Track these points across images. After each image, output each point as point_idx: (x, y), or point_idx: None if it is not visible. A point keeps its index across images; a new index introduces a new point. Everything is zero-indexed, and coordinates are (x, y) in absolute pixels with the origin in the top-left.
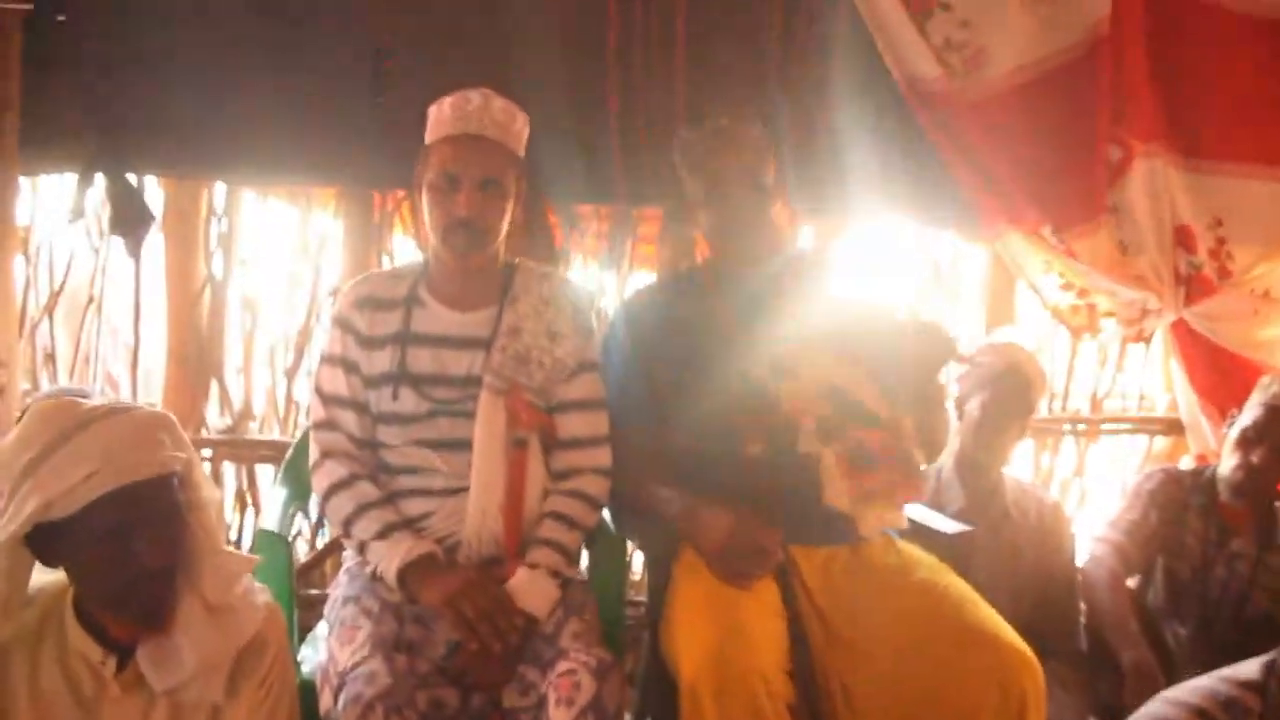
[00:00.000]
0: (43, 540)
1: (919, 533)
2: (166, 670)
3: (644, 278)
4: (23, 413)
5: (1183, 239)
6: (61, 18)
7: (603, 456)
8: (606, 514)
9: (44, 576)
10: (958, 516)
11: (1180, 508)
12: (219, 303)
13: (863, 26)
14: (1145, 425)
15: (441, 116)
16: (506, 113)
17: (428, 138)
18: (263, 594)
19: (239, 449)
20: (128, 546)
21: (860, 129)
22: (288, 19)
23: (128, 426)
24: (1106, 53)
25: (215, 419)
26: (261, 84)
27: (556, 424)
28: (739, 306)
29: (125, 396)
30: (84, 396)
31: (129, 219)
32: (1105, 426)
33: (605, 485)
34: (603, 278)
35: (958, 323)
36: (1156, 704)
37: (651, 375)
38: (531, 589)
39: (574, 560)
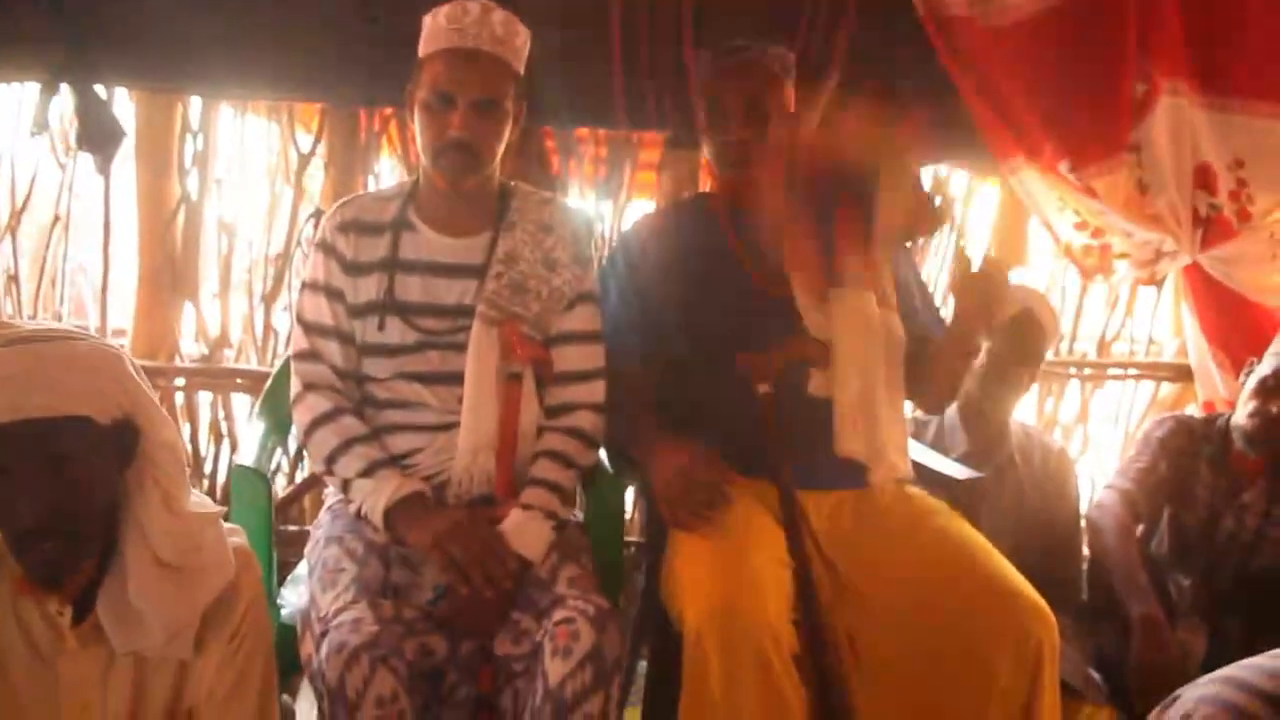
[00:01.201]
0: None
1: (926, 478)
2: (128, 628)
3: (643, 206)
4: None
5: (1203, 179)
6: None
7: (599, 391)
8: (603, 452)
9: None
10: (961, 462)
11: (1191, 457)
12: (194, 224)
13: None
14: (1152, 371)
15: (436, 28)
16: (507, 26)
17: (421, 50)
18: (235, 537)
19: (214, 378)
20: (8, 495)
21: (873, 56)
22: None
23: (29, 359)
24: None
25: (190, 346)
26: None
27: (553, 357)
28: (749, 237)
29: (95, 325)
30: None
31: (97, 134)
32: (1111, 371)
33: (601, 422)
34: (600, 206)
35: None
36: (1214, 686)
37: (653, 308)
38: (525, 531)
39: (569, 501)
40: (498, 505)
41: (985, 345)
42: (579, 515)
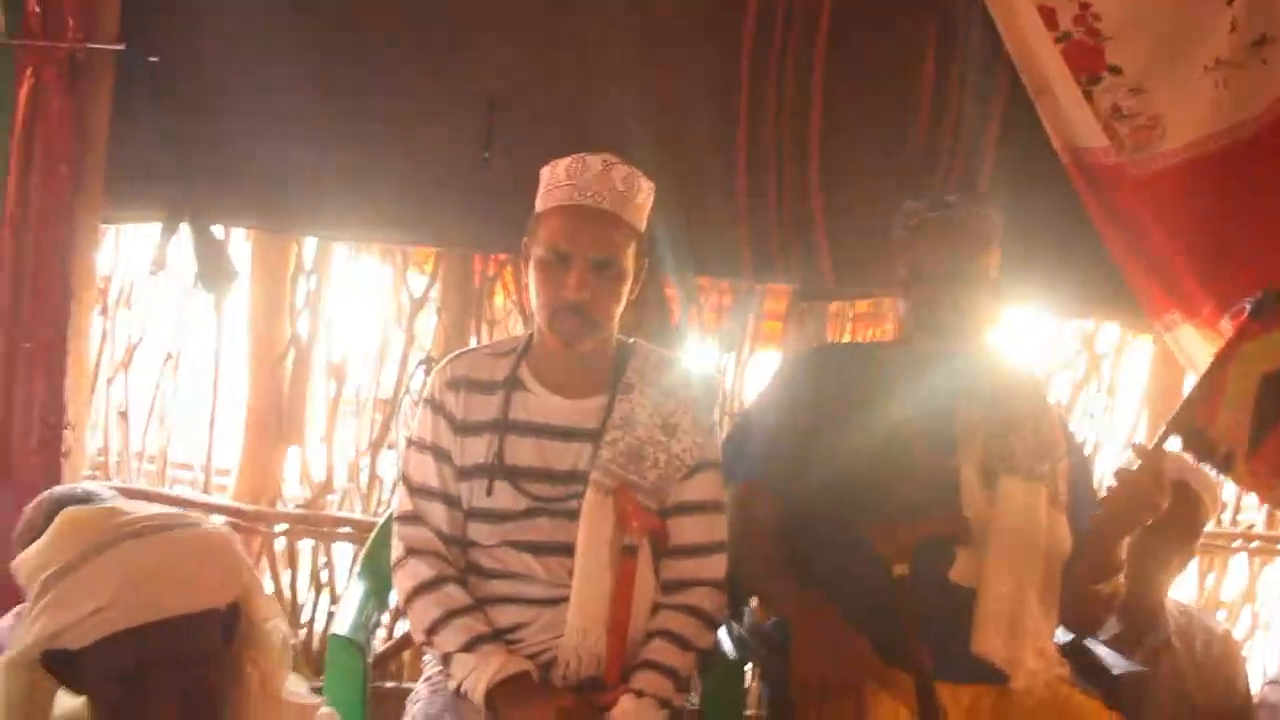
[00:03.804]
0: (59, 665)
1: (1081, 668)
2: None
3: (768, 358)
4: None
5: None
6: (154, 58)
7: (720, 567)
8: (723, 634)
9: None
10: (1111, 646)
11: None
12: (303, 366)
13: (1021, 92)
14: None
15: (555, 181)
16: (629, 182)
17: (538, 204)
18: None
19: (317, 526)
20: (142, 695)
21: (1015, 206)
22: (390, 68)
23: (155, 553)
24: None
25: (294, 489)
26: (358, 134)
27: (670, 529)
28: (930, 395)
29: (200, 464)
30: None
31: (212, 273)
32: None
33: (722, 600)
34: (722, 357)
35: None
36: None
37: (803, 444)
38: None
39: (685, 687)
40: (607, 690)
41: None
42: (694, 702)
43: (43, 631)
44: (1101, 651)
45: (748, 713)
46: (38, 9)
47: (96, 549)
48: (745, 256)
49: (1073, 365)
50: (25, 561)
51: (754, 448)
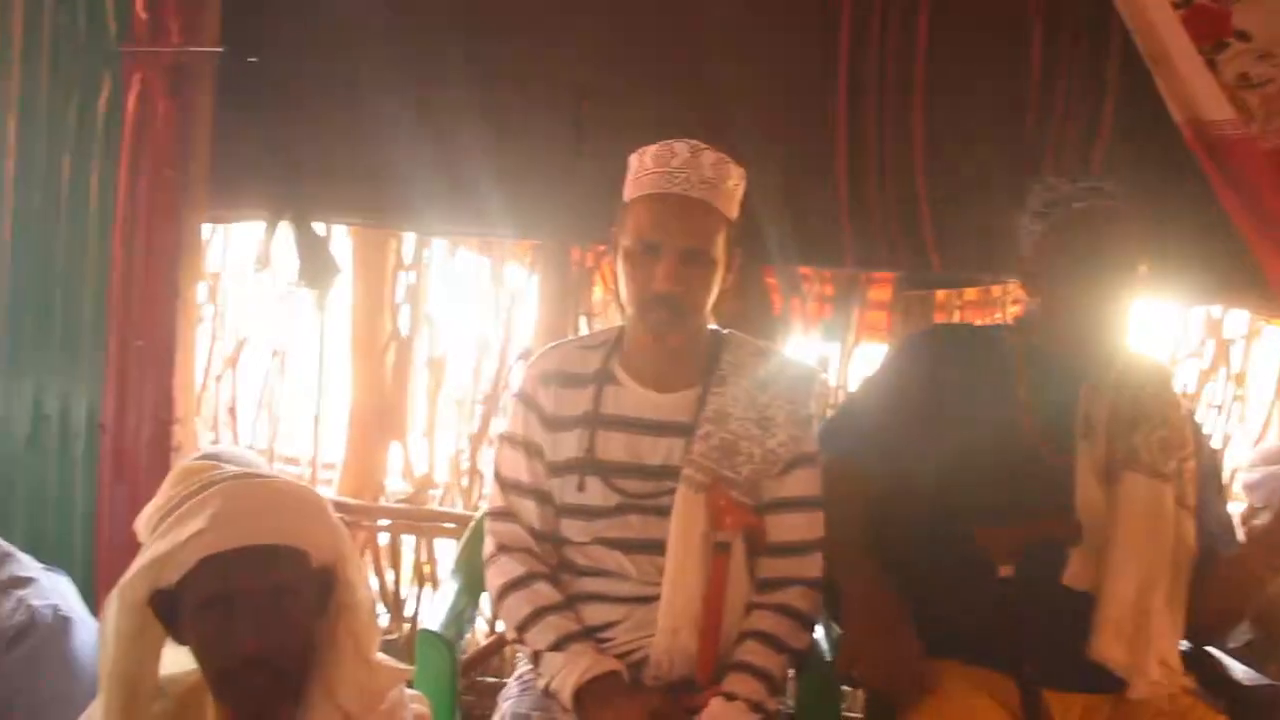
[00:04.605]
0: (164, 610)
1: (1204, 679)
2: None
3: (874, 349)
4: None
5: None
6: (253, 59)
7: (817, 566)
8: (820, 634)
9: (183, 664)
10: (1240, 655)
11: None
12: (404, 361)
13: (1137, 63)
14: None
15: (642, 170)
16: (718, 168)
17: (626, 193)
18: (418, 704)
19: (418, 521)
20: (228, 622)
21: (1130, 185)
22: (483, 60)
23: (251, 492)
24: None
25: (397, 484)
26: (454, 127)
27: (765, 526)
28: (1050, 386)
29: (305, 456)
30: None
31: (314, 270)
32: None
33: (818, 600)
34: (826, 348)
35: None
36: None
37: (909, 425)
38: None
39: (779, 689)
40: (698, 691)
41: (1268, 514)
42: (789, 705)
43: (146, 560)
44: (1229, 662)
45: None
46: (144, 15)
47: (203, 486)
48: (847, 244)
49: (1199, 354)
50: (143, 514)
51: (851, 426)
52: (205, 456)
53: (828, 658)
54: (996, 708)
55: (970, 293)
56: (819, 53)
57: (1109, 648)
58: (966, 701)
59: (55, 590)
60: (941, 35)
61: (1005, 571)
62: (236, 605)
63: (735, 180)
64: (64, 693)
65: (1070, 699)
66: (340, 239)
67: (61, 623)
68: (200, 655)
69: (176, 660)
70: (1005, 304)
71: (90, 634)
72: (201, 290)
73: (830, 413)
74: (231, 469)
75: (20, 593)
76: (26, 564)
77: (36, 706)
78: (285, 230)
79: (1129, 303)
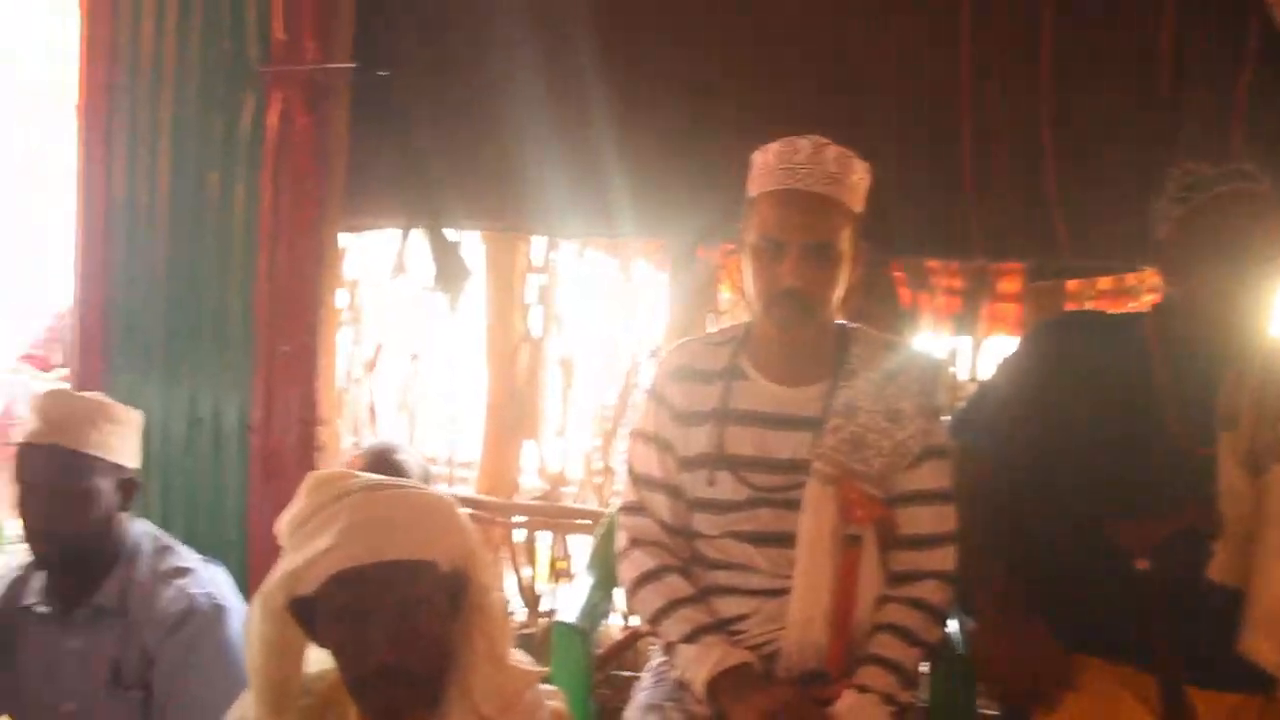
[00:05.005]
0: (303, 615)
1: None
2: None
3: (1004, 342)
4: None
5: None
6: (384, 73)
7: (950, 559)
8: (953, 626)
9: (328, 661)
10: None
11: None
12: (536, 361)
13: (1275, 43)
14: None
15: (766, 166)
16: (841, 163)
17: (750, 190)
18: (553, 700)
19: (553, 518)
20: (362, 634)
21: (1271, 170)
22: (608, 66)
23: (381, 506)
24: None
25: (533, 482)
26: (579, 132)
27: (897, 519)
28: (1192, 376)
29: (442, 456)
30: (396, 451)
31: (448, 274)
32: None
33: (951, 593)
34: (955, 342)
35: None
36: None
37: (1040, 413)
38: (860, 716)
39: (911, 683)
40: (830, 684)
41: None
42: (922, 699)
43: (283, 571)
44: None
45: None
46: (283, 37)
47: (332, 500)
48: (975, 236)
49: None
50: (281, 519)
51: (981, 418)
52: (371, 449)
53: (961, 651)
54: (1138, 705)
55: (1103, 282)
56: (942, 41)
57: (1259, 645)
58: (1106, 698)
59: (212, 580)
60: (1067, 19)
61: (1142, 564)
62: (367, 618)
63: (859, 174)
64: (220, 676)
65: (1217, 698)
66: (472, 244)
67: (217, 611)
68: (337, 662)
69: (321, 657)
70: (1140, 292)
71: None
72: (341, 297)
73: (960, 405)
74: (362, 479)
75: (180, 582)
76: (186, 555)
77: (194, 689)
78: (419, 237)
79: (1273, 289)
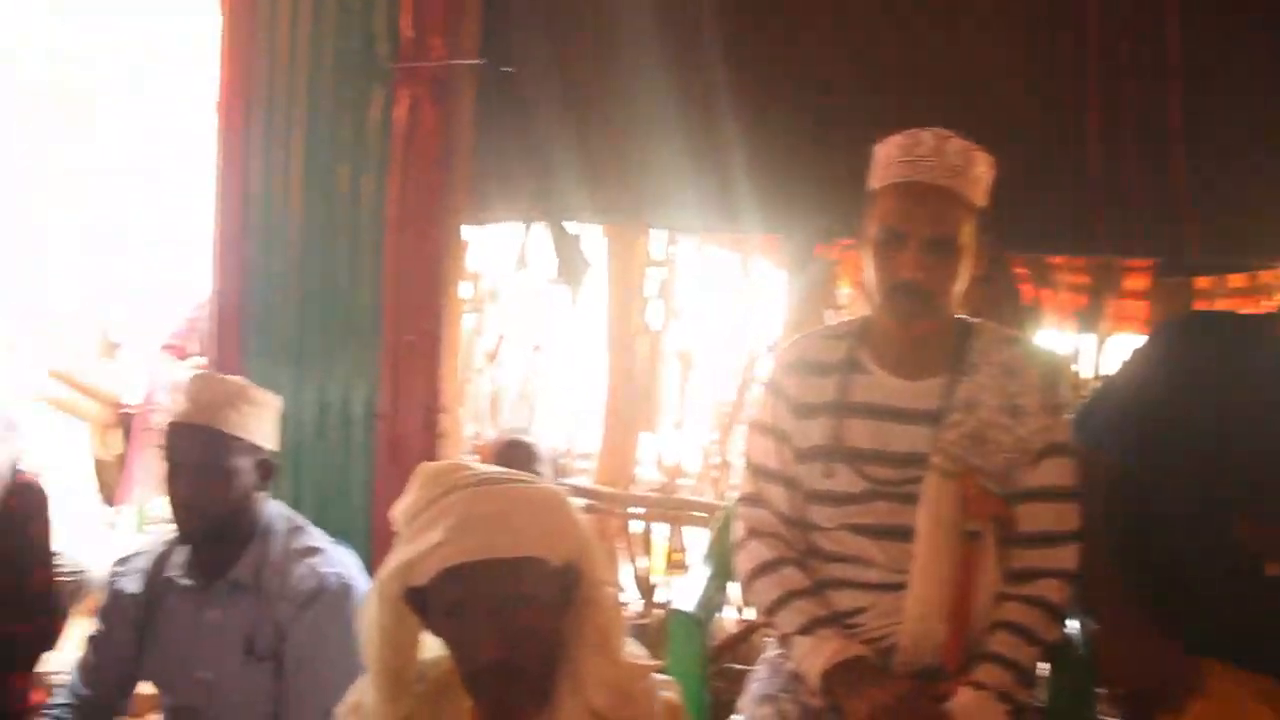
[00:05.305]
0: (418, 604)
1: None
2: None
3: (1130, 339)
4: None
5: None
6: (508, 69)
7: (1071, 557)
8: (1073, 625)
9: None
10: None
11: None
12: (655, 354)
13: None
14: None
15: (888, 159)
16: (964, 156)
17: (872, 183)
18: (667, 691)
19: (670, 510)
20: (472, 630)
21: None
22: (728, 57)
23: (491, 501)
24: None
25: (651, 474)
26: (701, 126)
27: (1016, 515)
28: None
29: (561, 446)
30: (527, 437)
31: (569, 267)
32: None
33: (1070, 593)
34: (1078, 339)
35: None
36: None
37: (1165, 413)
38: (976, 713)
39: (1029, 682)
40: (946, 680)
41: None
42: (1040, 699)
43: (396, 563)
44: None
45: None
46: (411, 34)
47: (443, 493)
48: (1100, 230)
49: None
50: (395, 508)
51: (1105, 416)
52: (502, 435)
53: (1082, 652)
54: (1267, 712)
55: (1235, 279)
56: (1068, 33)
57: None
58: (1233, 705)
59: (341, 561)
60: (1194, 13)
61: (1273, 569)
62: (477, 614)
63: (982, 167)
64: (346, 654)
65: None
66: (593, 237)
67: (346, 590)
68: (451, 654)
69: (438, 643)
70: (1275, 290)
71: None
72: (465, 288)
73: (1083, 402)
74: (474, 472)
75: (311, 560)
76: (316, 536)
77: (322, 664)
78: (541, 230)
79: None
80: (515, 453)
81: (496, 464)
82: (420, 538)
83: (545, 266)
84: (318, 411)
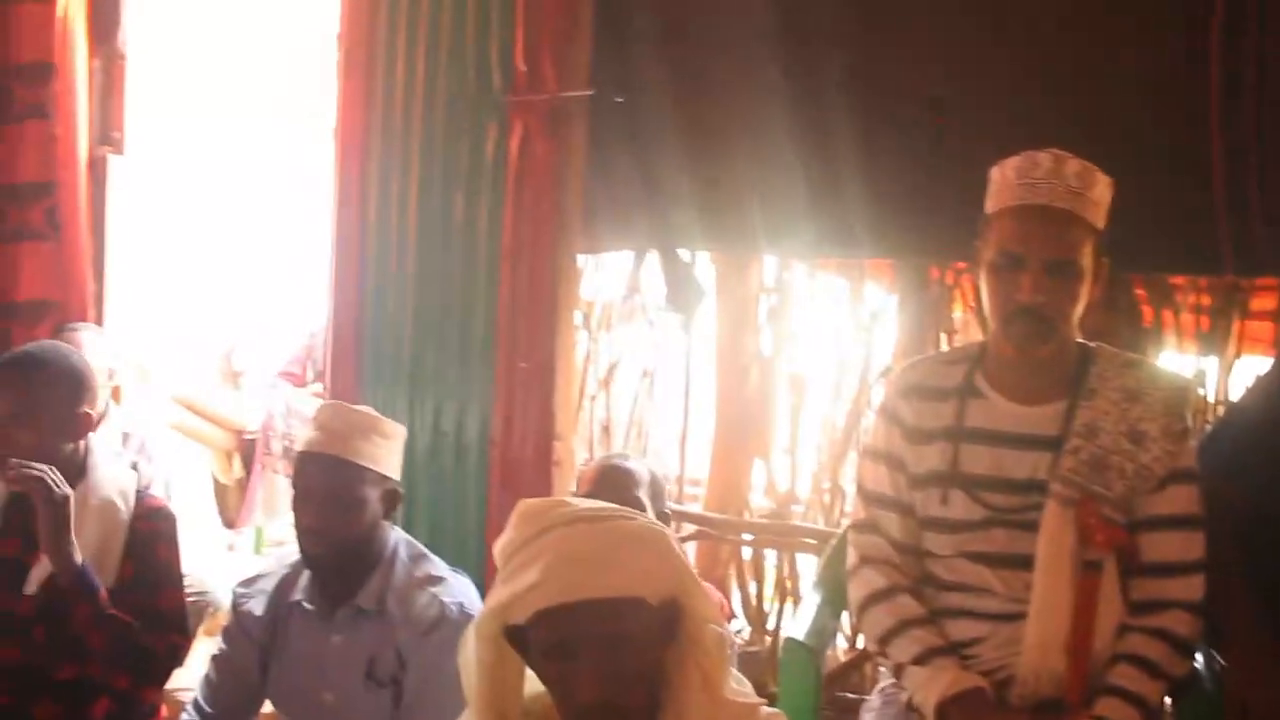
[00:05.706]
0: (518, 643)
1: None
2: None
3: (1256, 363)
4: None
5: None
6: (620, 99)
7: (1197, 588)
8: (1201, 661)
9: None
10: None
11: None
12: (767, 380)
13: None
14: None
15: (1004, 182)
16: (1082, 178)
17: (988, 206)
18: None
19: (780, 536)
20: (570, 671)
21: None
22: (835, 84)
23: (589, 540)
24: None
25: (760, 500)
26: (811, 152)
27: (1139, 545)
28: None
29: (674, 475)
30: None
31: (681, 295)
32: None
33: (1198, 626)
34: (1202, 363)
35: None
36: None
37: None
38: None
39: (1154, 718)
40: (1066, 714)
41: None
42: None
43: (494, 602)
44: None
45: None
46: (524, 68)
47: (540, 532)
48: (1225, 251)
49: None
50: (497, 544)
51: (1231, 442)
52: (601, 461)
53: (1210, 688)
54: None
55: None
56: (1188, 49)
57: None
58: None
59: (462, 590)
60: None
61: None
62: (575, 655)
63: (1102, 188)
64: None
65: None
66: (704, 265)
67: (466, 619)
68: (550, 695)
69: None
70: None
71: None
72: (577, 316)
73: (1208, 427)
74: (571, 509)
75: (433, 589)
76: (438, 565)
77: (440, 692)
78: (653, 258)
79: None
80: (614, 477)
81: (595, 488)
82: (517, 577)
83: (658, 294)
84: (432, 438)
